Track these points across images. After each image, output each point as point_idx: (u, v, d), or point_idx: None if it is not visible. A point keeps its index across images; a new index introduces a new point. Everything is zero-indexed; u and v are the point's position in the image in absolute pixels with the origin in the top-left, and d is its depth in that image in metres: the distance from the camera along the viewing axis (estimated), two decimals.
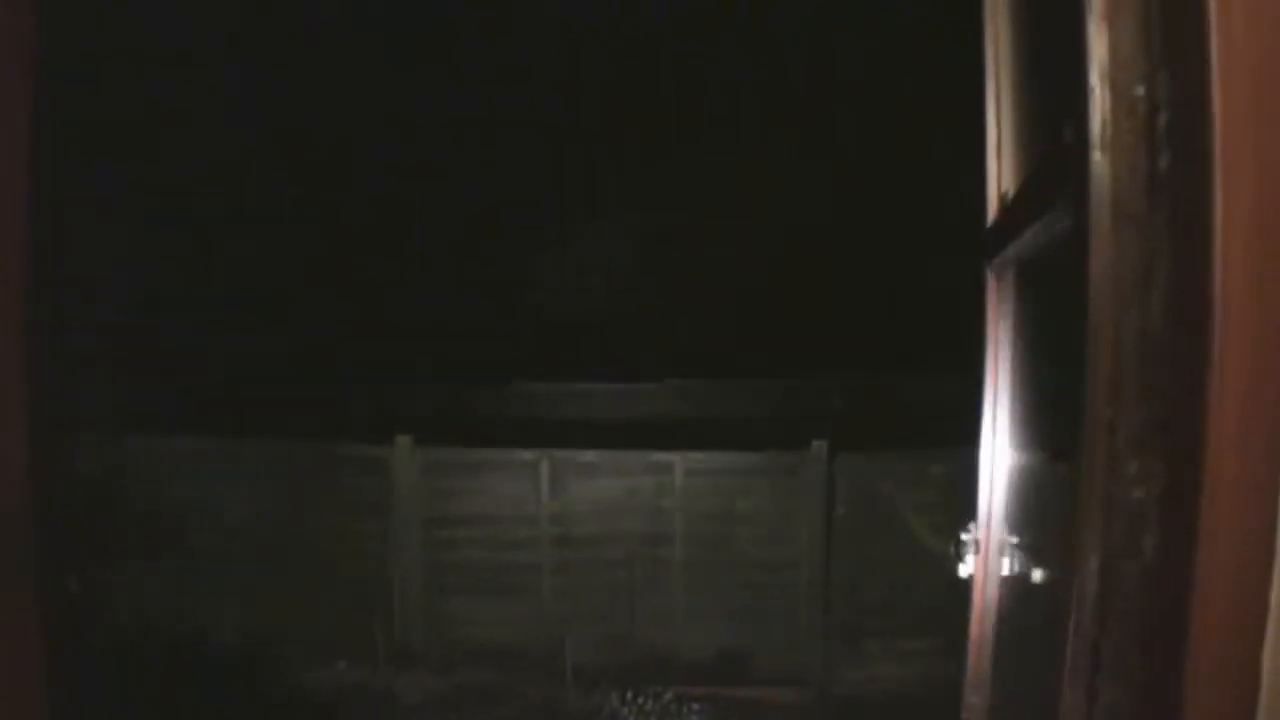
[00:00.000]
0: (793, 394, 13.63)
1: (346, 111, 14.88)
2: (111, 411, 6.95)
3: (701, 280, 16.98)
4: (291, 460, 6.79)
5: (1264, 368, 0.94)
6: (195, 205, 13.29)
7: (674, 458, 6.60)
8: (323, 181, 14.66)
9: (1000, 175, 2.10)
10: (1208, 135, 0.94)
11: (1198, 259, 0.96)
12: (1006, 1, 2.08)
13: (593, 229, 16.02)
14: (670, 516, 6.55)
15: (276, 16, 13.83)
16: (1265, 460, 0.95)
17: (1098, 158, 1.06)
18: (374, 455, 6.69)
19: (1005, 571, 1.97)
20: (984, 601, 2.14)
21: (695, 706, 6.02)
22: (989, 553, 2.12)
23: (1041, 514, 1.80)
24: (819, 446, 6.46)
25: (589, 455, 6.72)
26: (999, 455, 2.11)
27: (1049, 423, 1.79)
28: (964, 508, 2.30)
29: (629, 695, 6.09)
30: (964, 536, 2.17)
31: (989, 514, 2.13)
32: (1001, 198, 2.09)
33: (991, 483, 2.14)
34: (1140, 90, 1.04)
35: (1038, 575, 1.70)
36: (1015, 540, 1.96)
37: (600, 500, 6.59)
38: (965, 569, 2.18)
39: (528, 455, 6.66)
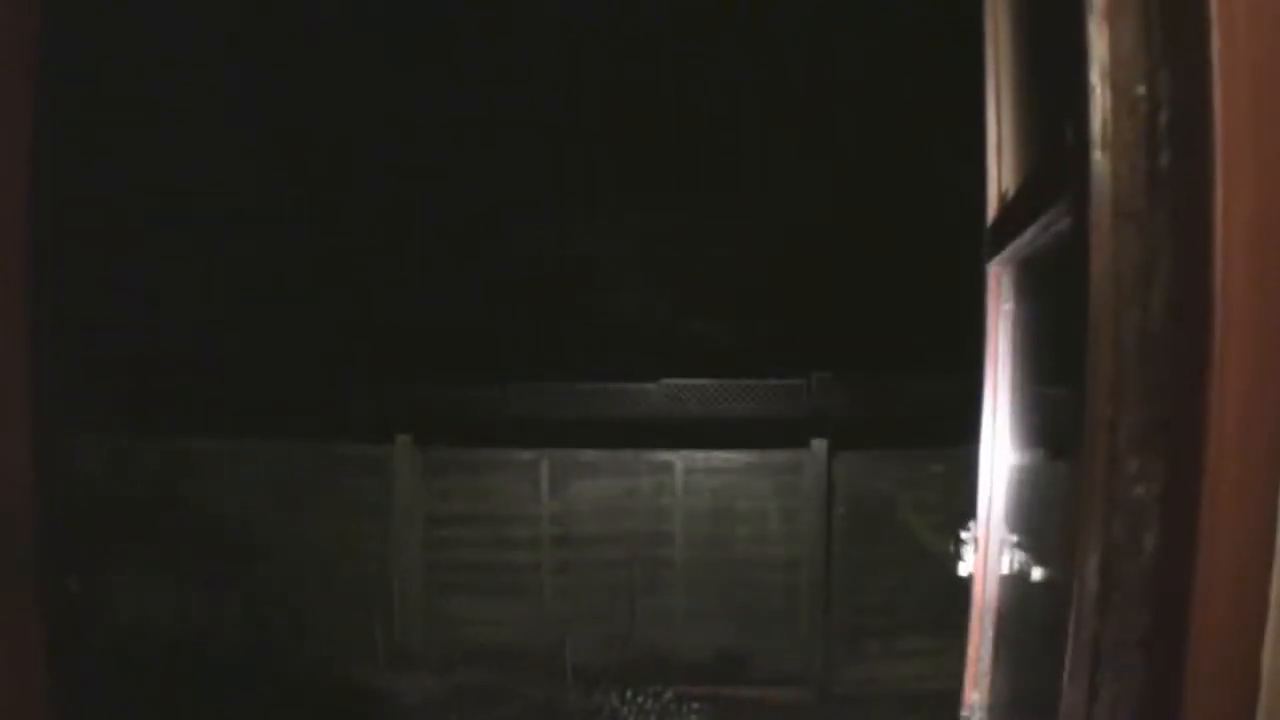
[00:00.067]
0: (792, 393, 13.64)
1: (346, 111, 14.89)
2: (111, 411, 6.95)
3: (701, 280, 16.99)
4: (291, 460, 6.79)
5: (1265, 366, 0.94)
6: (195, 205, 13.30)
7: (674, 457, 6.60)
8: (323, 181, 14.66)
9: (1000, 174, 2.10)
10: (1208, 134, 0.94)
11: (1198, 257, 0.96)
12: (1006, 1, 2.08)
13: (593, 229, 16.02)
14: (670, 516, 6.55)
15: (276, 16, 13.83)
16: (1266, 459, 0.94)
17: (1098, 156, 1.06)
18: (374, 455, 6.69)
19: (1005, 570, 1.97)
20: (983, 600, 2.14)
21: (695, 706, 6.02)
22: (988, 551, 2.12)
23: (1041, 513, 1.80)
24: (819, 446, 6.46)
25: (589, 455, 6.72)
26: (999, 454, 2.11)
27: (1049, 421, 1.79)
28: (964, 507, 2.30)
29: (629, 695, 6.09)
30: (963, 535, 2.17)
31: (989, 513, 2.13)
32: (1001, 196, 2.09)
33: (991, 481, 2.14)
34: (1141, 89, 1.04)
35: (1037, 574, 1.70)
36: (1015, 539, 1.96)
37: (600, 500, 6.59)
38: (965, 568, 2.18)
39: (527, 455, 6.66)
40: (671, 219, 16.01)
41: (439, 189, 15.27)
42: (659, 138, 15.36)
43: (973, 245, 2.26)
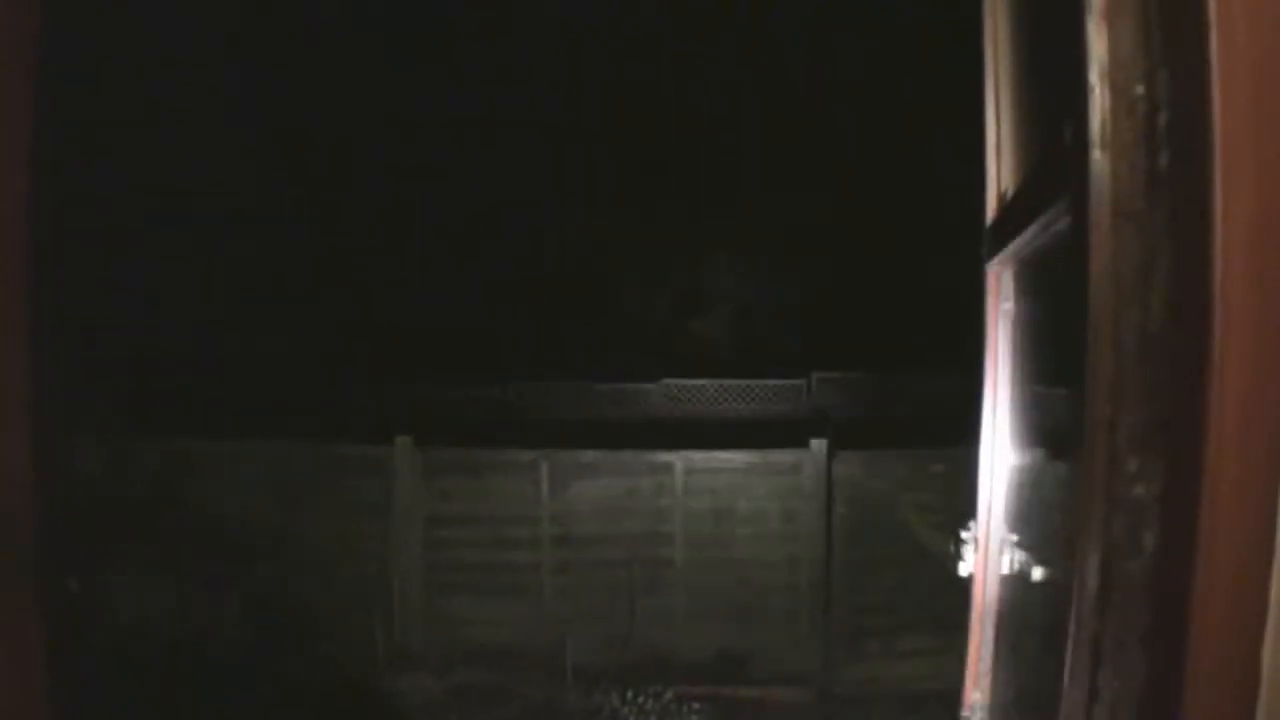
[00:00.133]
0: (792, 394, 13.65)
1: (346, 111, 14.89)
2: (111, 411, 6.95)
3: (701, 280, 17.00)
4: (291, 460, 6.80)
5: (1265, 366, 0.94)
6: (195, 205, 13.30)
7: (674, 458, 6.60)
8: (323, 181, 14.67)
9: (1000, 174, 2.10)
10: (1207, 134, 0.94)
11: (1198, 257, 0.96)
12: (1006, 1, 2.08)
13: (592, 229, 16.03)
14: (670, 516, 6.55)
15: (276, 16, 13.83)
16: (1266, 458, 0.94)
17: (1097, 156, 1.06)
18: (374, 456, 6.70)
19: (1005, 570, 1.97)
20: (984, 600, 2.14)
21: (695, 706, 6.02)
22: (989, 551, 2.12)
23: (1041, 512, 1.80)
24: (819, 446, 6.46)
25: (589, 455, 6.72)
26: (999, 454, 2.11)
27: (1049, 421, 1.79)
28: (964, 506, 2.30)
29: (629, 695, 6.09)
30: (964, 535, 2.17)
31: (989, 512, 2.13)
32: (1001, 196, 2.09)
33: (991, 481, 2.14)
34: (1140, 89, 1.04)
35: (1038, 573, 1.70)
36: (1015, 538, 1.96)
37: (600, 500, 6.59)
38: (965, 567, 2.18)
39: (528, 455, 6.66)
40: (671, 219, 16.01)
41: (439, 189, 15.28)
42: (659, 138, 15.37)
43: (972, 245, 2.26)
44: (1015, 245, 1.87)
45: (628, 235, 16.04)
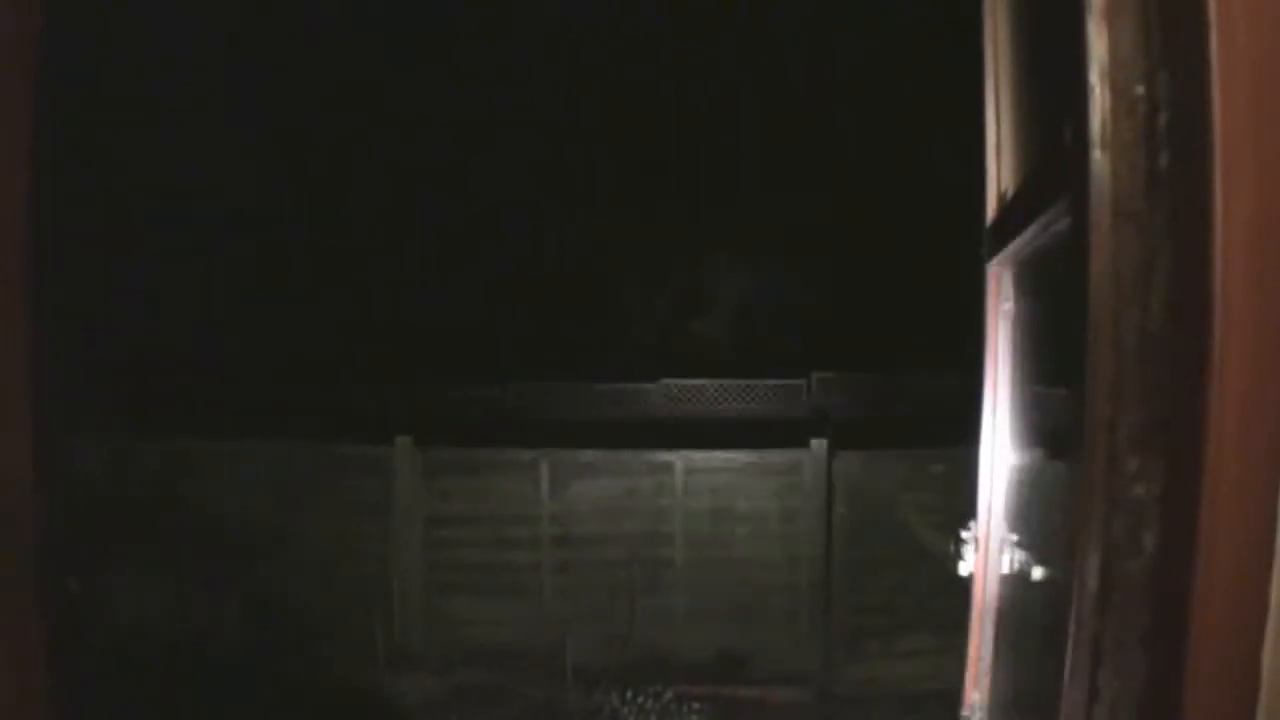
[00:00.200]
0: (792, 393, 13.66)
1: (346, 111, 14.89)
2: (111, 411, 6.96)
3: (701, 280, 17.01)
4: (292, 461, 6.79)
5: (1265, 366, 0.94)
6: (195, 205, 13.31)
7: (674, 457, 6.60)
8: (323, 181, 14.67)
9: (1000, 174, 2.10)
10: (1208, 134, 0.94)
11: (1198, 257, 0.96)
12: (1006, 1, 2.08)
13: (592, 229, 16.03)
14: (670, 516, 6.55)
15: (276, 16, 13.83)
16: (1266, 458, 0.94)
17: (1098, 156, 1.06)
18: (374, 456, 6.69)
19: (1005, 570, 1.97)
20: (984, 599, 2.14)
21: (695, 706, 6.02)
22: (989, 551, 2.12)
23: (1041, 512, 1.80)
24: (818, 446, 6.46)
25: (589, 455, 6.72)
26: (999, 454, 2.11)
27: (1049, 421, 1.79)
28: (964, 506, 2.30)
29: (629, 695, 6.09)
30: (964, 535, 2.17)
31: (989, 512, 2.13)
32: (1001, 196, 2.09)
33: (991, 481, 2.14)
34: (1140, 89, 1.04)
35: (1038, 573, 1.70)
36: (1015, 538, 1.96)
37: (600, 500, 6.58)
38: (965, 567, 2.18)
39: (528, 455, 6.66)
40: (671, 219, 16.02)
41: (439, 189, 15.28)
42: (659, 138, 15.37)
43: (972, 245, 2.26)
44: (1015, 245, 1.87)
45: (628, 235, 16.04)
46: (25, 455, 1.14)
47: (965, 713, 2.20)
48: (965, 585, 2.22)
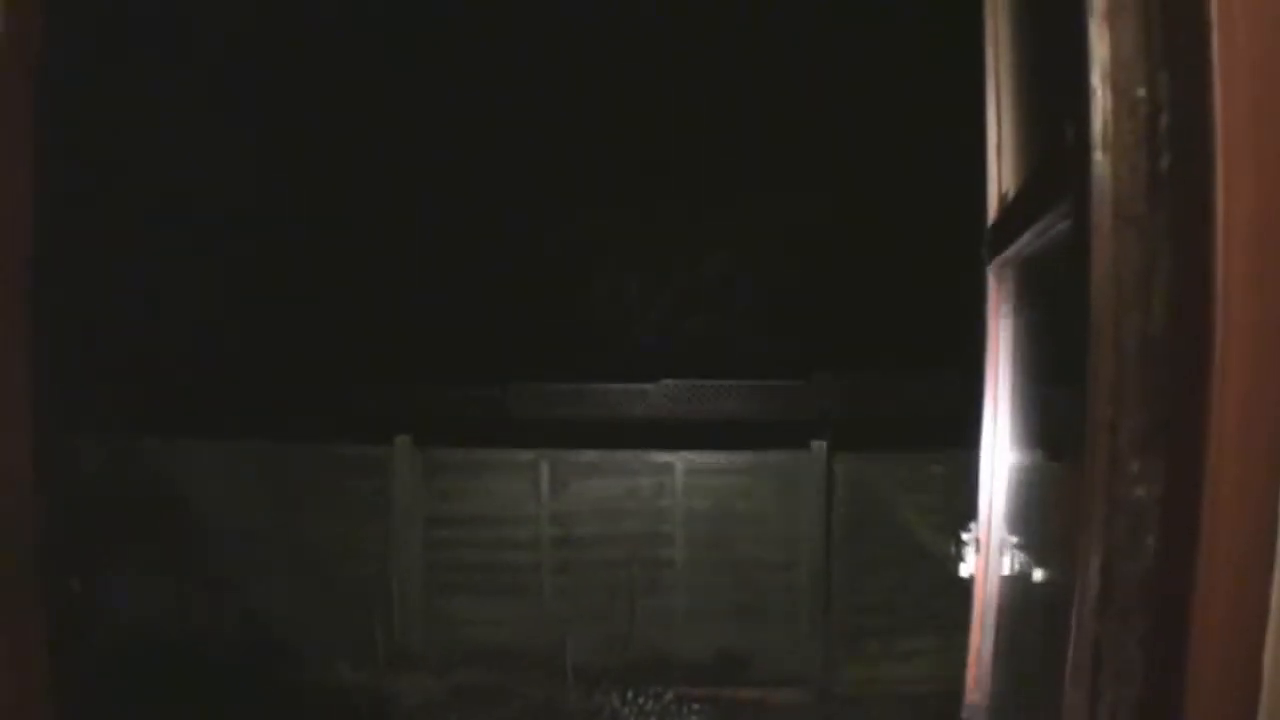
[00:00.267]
0: (792, 394, 13.66)
1: (346, 111, 14.89)
2: (111, 411, 6.95)
3: (701, 280, 17.00)
4: (291, 461, 6.79)
5: (1265, 368, 0.94)
6: (195, 205, 13.31)
7: (674, 458, 6.59)
8: (323, 181, 14.67)
9: (1001, 175, 2.10)
10: (1209, 136, 0.94)
11: (1199, 259, 0.96)
12: (1007, 1, 2.08)
13: (592, 229, 16.03)
14: (670, 517, 6.54)
15: (276, 16, 13.83)
16: (1266, 460, 0.94)
17: (1099, 158, 1.06)
18: (374, 456, 6.69)
19: (1006, 571, 1.97)
20: (985, 601, 2.14)
21: (695, 707, 6.02)
22: (989, 552, 2.12)
23: (1042, 514, 1.80)
24: (819, 447, 6.46)
25: (589, 455, 6.72)
26: (999, 455, 2.11)
27: (1049, 423, 1.79)
28: (964, 507, 2.31)
29: (629, 696, 6.09)
30: (964, 536, 2.17)
31: (989, 514, 2.13)
32: (1002, 198, 2.09)
33: (992, 483, 2.14)
34: (1141, 91, 1.04)
35: (1038, 575, 1.70)
36: (1016, 540, 1.96)
37: (600, 500, 6.58)
38: (966, 569, 2.18)
39: (527, 455, 6.66)
40: (671, 219, 16.02)
41: (439, 189, 15.28)
42: (659, 138, 15.37)
43: (972, 244, 2.26)
44: (1016, 247, 1.87)
45: (628, 235, 16.04)
46: (26, 455, 1.14)
47: (966, 714, 2.20)
48: (965, 586, 2.22)
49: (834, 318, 14.33)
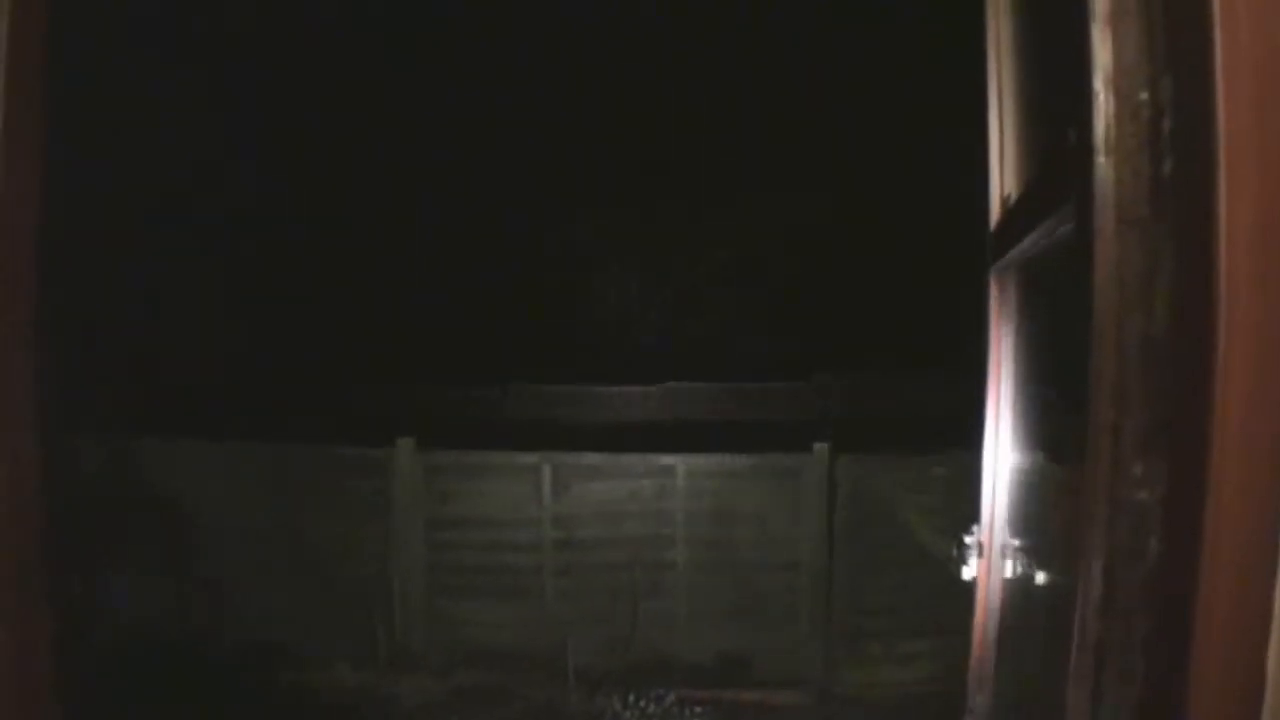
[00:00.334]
0: (794, 396, 13.65)
1: (346, 111, 14.89)
2: (111, 411, 6.95)
3: (702, 282, 16.99)
4: (293, 462, 6.79)
5: (1268, 369, 0.94)
6: (195, 205, 13.30)
7: (676, 460, 6.59)
8: (323, 181, 14.67)
9: (1002, 178, 2.10)
10: (1212, 140, 0.94)
11: (1201, 262, 0.96)
12: (1009, 4, 2.09)
13: (593, 230, 16.04)
14: (672, 519, 6.54)
15: (276, 16, 13.83)
16: (1269, 461, 0.95)
17: (1101, 162, 1.06)
18: (375, 457, 6.69)
19: (1008, 574, 1.97)
20: (987, 604, 2.14)
21: (697, 709, 6.02)
22: (991, 555, 2.12)
23: (1044, 517, 1.80)
24: (820, 449, 6.46)
25: (591, 458, 6.72)
26: (1001, 458, 2.12)
27: (1051, 425, 1.79)
28: (965, 510, 2.31)
29: (631, 698, 6.09)
30: (966, 539, 2.17)
31: (991, 516, 2.13)
32: (1004, 200, 2.09)
33: (994, 485, 2.14)
34: (1144, 95, 1.04)
35: (1041, 578, 1.70)
36: (1018, 543, 1.96)
37: (602, 503, 6.58)
38: (968, 571, 2.18)
39: (529, 458, 6.65)
40: (671, 220, 16.02)
41: (439, 189, 15.28)
42: (659, 138, 15.37)
43: (973, 246, 2.27)
44: (1018, 249, 1.87)
45: (628, 235, 16.05)
46: (29, 455, 1.14)
47: (969, 717, 2.20)
48: (967, 588, 2.22)
49: (834, 318, 14.32)
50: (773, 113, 15.67)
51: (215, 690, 5.59)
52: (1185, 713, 0.97)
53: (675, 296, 16.91)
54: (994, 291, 2.13)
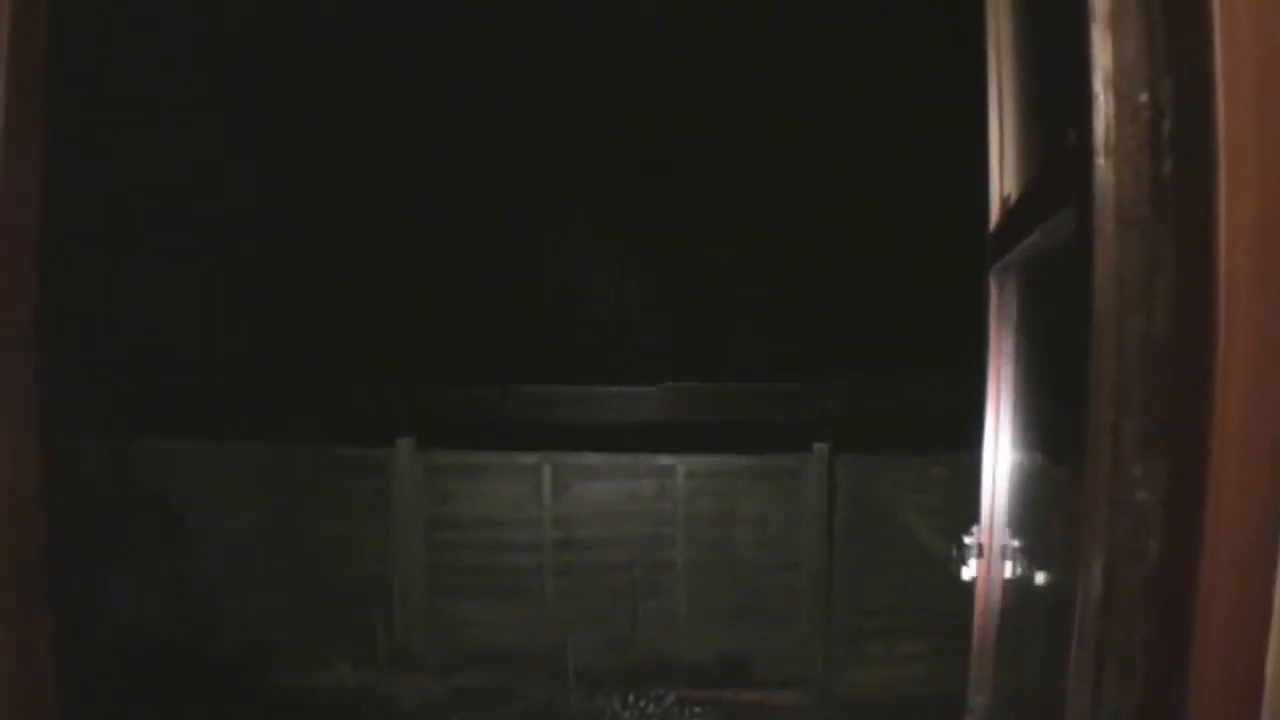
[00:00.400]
0: (794, 397, 13.65)
1: (346, 111, 14.90)
2: (111, 411, 6.95)
3: (702, 283, 17.01)
4: (293, 462, 6.79)
5: (1268, 369, 0.94)
6: (195, 205, 13.31)
7: (675, 461, 6.60)
8: (323, 181, 14.68)
9: (1002, 178, 2.10)
10: (1211, 141, 0.94)
11: (1201, 263, 0.96)
12: (1009, 4, 2.09)
13: (593, 230, 16.05)
14: (672, 519, 6.54)
15: (276, 16, 13.84)
16: (1269, 462, 0.95)
17: (1101, 162, 1.06)
18: (375, 458, 6.69)
19: (1008, 575, 1.97)
20: (987, 604, 2.14)
21: (697, 709, 6.02)
22: (992, 556, 2.12)
23: (1044, 517, 1.80)
24: (820, 449, 6.46)
25: (591, 458, 6.72)
26: (1001, 458, 2.12)
27: (1051, 426, 1.79)
28: (965, 510, 2.31)
29: (631, 698, 6.09)
30: (966, 540, 2.17)
31: (991, 517, 2.13)
32: (1004, 201, 2.09)
33: (994, 486, 2.14)
34: (1144, 96, 1.04)
35: (1041, 578, 1.70)
36: (1018, 543, 1.96)
37: (602, 503, 6.58)
38: (968, 572, 2.18)
39: (529, 458, 6.65)
40: (671, 220, 16.03)
41: (439, 189, 15.30)
42: (659, 138, 15.38)
43: (973, 246, 2.27)
44: (1018, 251, 1.87)
45: (628, 235, 16.06)
46: (29, 455, 1.15)
47: (968, 717, 2.20)
48: (967, 589, 2.22)
49: (834, 318, 14.34)
50: (773, 113, 15.69)
51: (215, 690, 5.59)
52: (1185, 713, 0.97)
53: (675, 296, 16.92)
54: (994, 292, 2.13)
